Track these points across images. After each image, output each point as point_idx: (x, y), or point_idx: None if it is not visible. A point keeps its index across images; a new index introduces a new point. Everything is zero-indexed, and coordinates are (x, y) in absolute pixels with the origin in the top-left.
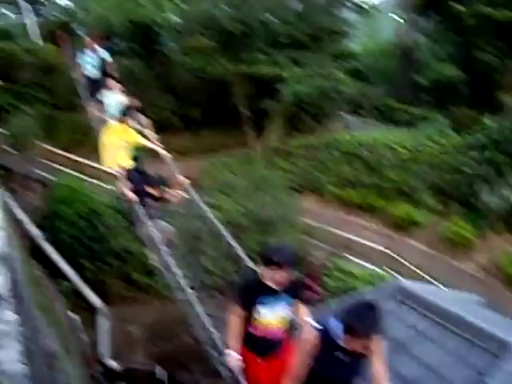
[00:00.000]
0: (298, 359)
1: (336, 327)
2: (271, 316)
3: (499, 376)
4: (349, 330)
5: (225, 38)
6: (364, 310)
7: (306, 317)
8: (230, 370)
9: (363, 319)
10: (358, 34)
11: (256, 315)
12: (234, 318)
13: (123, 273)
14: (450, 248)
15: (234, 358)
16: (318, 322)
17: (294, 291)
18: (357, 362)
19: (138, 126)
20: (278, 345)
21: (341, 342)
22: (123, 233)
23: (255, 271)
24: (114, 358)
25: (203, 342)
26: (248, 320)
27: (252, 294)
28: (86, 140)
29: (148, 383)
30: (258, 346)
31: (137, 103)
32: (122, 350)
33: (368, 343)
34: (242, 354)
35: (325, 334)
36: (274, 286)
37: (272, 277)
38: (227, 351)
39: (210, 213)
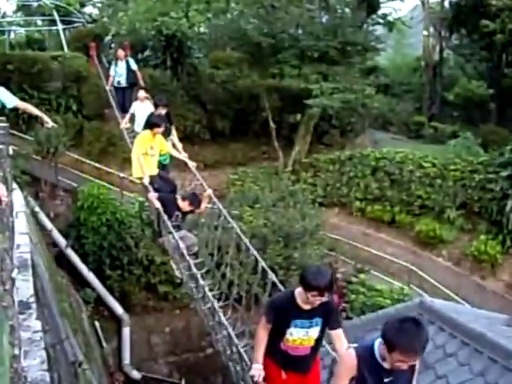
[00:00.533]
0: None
1: (379, 348)
2: (303, 336)
3: None
4: (401, 349)
5: (253, 50)
6: (414, 328)
7: (344, 340)
8: (253, 381)
9: (417, 338)
10: (386, 48)
11: (288, 335)
12: (263, 333)
13: (146, 282)
14: (477, 266)
15: (257, 369)
16: (359, 344)
17: (327, 314)
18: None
19: (171, 136)
20: (305, 361)
21: (386, 365)
22: (147, 242)
23: (290, 292)
24: (136, 367)
25: (225, 354)
26: (279, 336)
27: (286, 314)
28: (113, 149)
29: None
30: (286, 360)
31: (163, 111)
32: (144, 359)
33: (415, 361)
34: (266, 366)
35: (368, 357)
36: (306, 308)
37: (310, 301)
38: (254, 365)
39: (235, 224)
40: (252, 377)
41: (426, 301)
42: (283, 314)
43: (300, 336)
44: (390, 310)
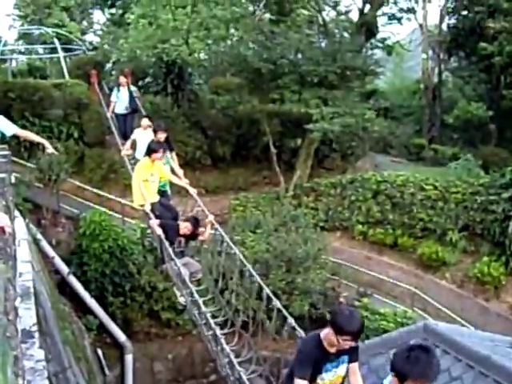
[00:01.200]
0: None
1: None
2: (332, 377)
3: None
4: (413, 378)
5: (253, 76)
6: (424, 354)
7: (358, 374)
8: None
9: (428, 364)
10: (385, 72)
11: (319, 380)
12: None
13: (149, 309)
14: (480, 288)
15: None
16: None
17: (352, 350)
18: None
19: (167, 161)
20: None
21: None
22: (150, 269)
23: (316, 337)
24: None
25: (230, 379)
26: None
27: (317, 363)
28: (114, 176)
29: None
30: None
31: (162, 137)
32: None
33: None
34: None
35: None
36: (333, 351)
37: (340, 345)
38: None
39: (237, 250)
40: None
41: (430, 324)
42: (314, 361)
43: (330, 378)
44: (393, 333)
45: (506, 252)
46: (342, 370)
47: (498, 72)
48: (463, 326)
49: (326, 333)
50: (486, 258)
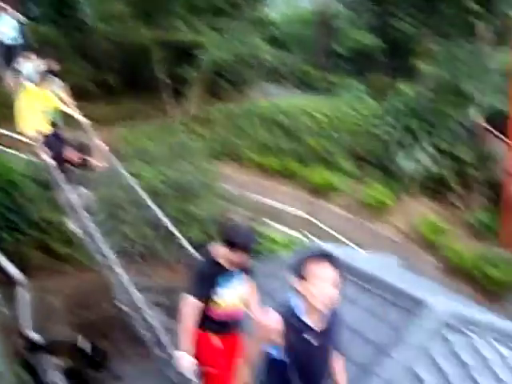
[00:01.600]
0: (257, 347)
1: (298, 304)
2: (229, 297)
3: (414, 332)
4: (312, 261)
5: (142, 3)
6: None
7: (256, 294)
8: (181, 373)
9: (322, 250)
10: (276, 1)
11: (214, 298)
12: (190, 315)
13: (43, 243)
14: (368, 212)
15: (187, 360)
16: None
17: (246, 272)
18: (325, 345)
19: (56, 91)
20: (237, 323)
21: (306, 319)
22: (42, 203)
23: (207, 251)
24: (36, 330)
25: (125, 306)
26: (204, 303)
27: (208, 276)
28: (2, 109)
29: (71, 354)
30: (216, 327)
31: (54, 67)
32: (44, 321)
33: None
34: (196, 336)
35: (288, 315)
36: (229, 267)
37: (232, 259)
38: (179, 353)
39: (130, 180)
40: (184, 372)
41: (321, 247)
42: (206, 276)
43: (226, 297)
44: (285, 255)
45: (394, 178)
46: (240, 289)
47: (386, 2)
48: (353, 248)
49: (218, 248)
50: (375, 184)
